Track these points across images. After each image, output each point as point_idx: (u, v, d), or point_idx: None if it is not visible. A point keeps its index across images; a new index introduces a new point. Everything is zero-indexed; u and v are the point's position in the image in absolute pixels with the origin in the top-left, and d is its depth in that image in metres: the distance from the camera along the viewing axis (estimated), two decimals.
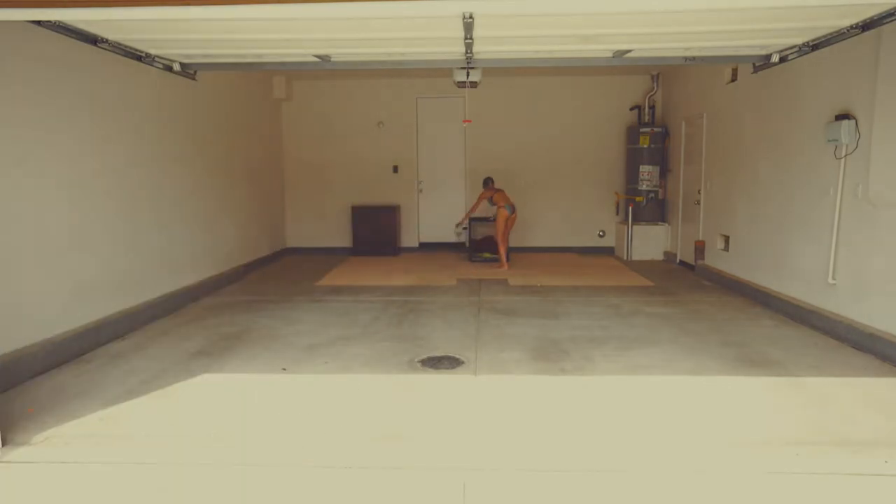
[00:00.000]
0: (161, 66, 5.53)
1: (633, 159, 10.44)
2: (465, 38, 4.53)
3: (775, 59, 5.42)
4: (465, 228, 10.73)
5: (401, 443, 3.43)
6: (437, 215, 11.42)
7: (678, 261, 9.76)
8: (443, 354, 5.01)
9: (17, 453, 3.29)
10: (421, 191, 11.32)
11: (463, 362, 4.82)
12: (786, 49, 5.26)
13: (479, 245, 10.42)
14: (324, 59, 5.35)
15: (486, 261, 10.06)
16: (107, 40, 4.62)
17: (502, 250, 9.50)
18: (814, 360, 4.85)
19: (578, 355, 4.97)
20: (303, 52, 5.22)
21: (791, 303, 6.22)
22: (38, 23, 3.94)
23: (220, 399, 4.10)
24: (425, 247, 11.44)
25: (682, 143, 9.67)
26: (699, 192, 8.87)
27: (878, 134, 4.95)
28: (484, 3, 3.69)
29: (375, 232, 10.88)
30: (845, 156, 5.37)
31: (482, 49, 5.04)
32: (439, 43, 4.86)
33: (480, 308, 6.70)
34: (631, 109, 10.82)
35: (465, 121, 10.77)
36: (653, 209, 10.36)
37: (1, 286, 4.23)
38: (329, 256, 10.77)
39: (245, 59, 5.52)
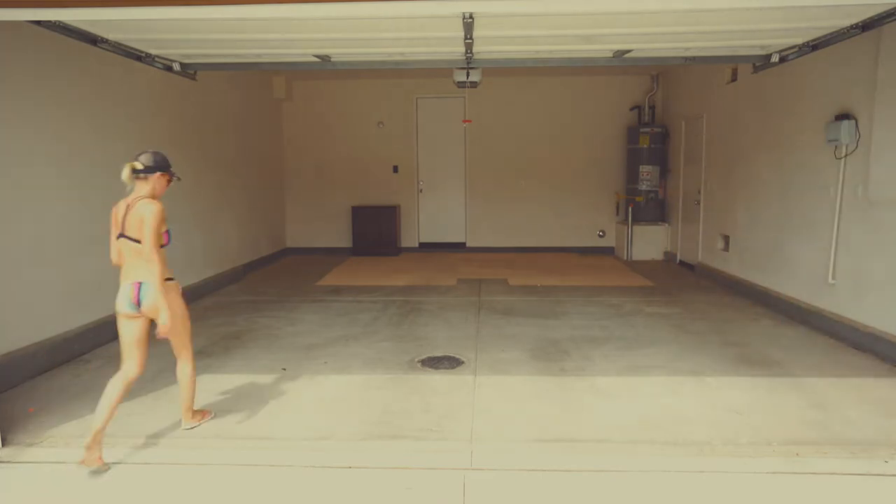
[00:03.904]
0: (161, 66, 5.53)
1: (633, 159, 10.44)
2: (465, 38, 4.52)
3: (775, 59, 5.41)
4: None
5: (401, 443, 3.43)
6: (437, 215, 11.42)
7: (678, 261, 9.76)
8: (443, 354, 5.01)
9: (17, 453, 3.29)
10: (421, 191, 11.32)
11: (463, 362, 4.81)
12: (786, 49, 5.25)
13: None
14: (324, 59, 5.35)
15: None
16: (107, 40, 4.62)
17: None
18: (814, 360, 4.85)
19: (578, 355, 4.97)
20: (303, 52, 5.21)
21: (791, 303, 6.22)
22: (38, 23, 3.94)
23: (219, 399, 4.10)
24: (425, 247, 11.43)
25: (682, 143, 9.66)
26: (699, 192, 8.87)
27: (878, 134, 4.95)
28: (484, 3, 3.68)
29: (375, 232, 10.87)
30: (845, 156, 5.37)
31: (482, 49, 5.04)
32: (439, 43, 4.86)
33: (480, 308, 6.70)
34: (631, 109, 10.82)
35: (465, 121, 10.78)
36: (653, 209, 10.36)
37: (1, 286, 4.23)
38: (329, 256, 10.77)
39: (245, 59, 5.52)
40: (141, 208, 3.25)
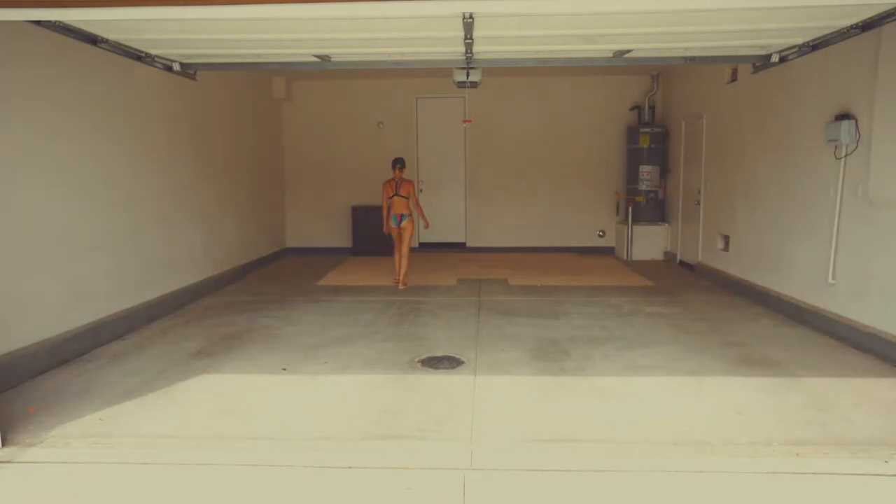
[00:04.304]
0: (161, 66, 5.52)
1: (633, 159, 10.44)
2: (465, 38, 4.52)
3: (775, 59, 5.41)
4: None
5: (401, 443, 3.43)
6: (437, 215, 11.39)
7: (678, 261, 9.76)
8: (443, 354, 5.01)
9: (17, 453, 3.29)
10: (421, 191, 11.30)
11: (463, 362, 4.81)
12: (786, 49, 5.25)
13: None
14: (324, 59, 5.35)
15: None
16: (107, 40, 4.61)
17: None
18: (814, 360, 4.85)
19: (578, 355, 4.96)
20: (303, 52, 5.21)
21: (791, 303, 6.22)
22: (38, 23, 3.93)
23: (219, 399, 4.10)
24: (425, 247, 11.43)
25: (682, 143, 9.66)
26: (699, 192, 8.87)
27: (878, 134, 4.95)
28: (484, 3, 3.68)
29: (375, 232, 10.84)
30: (845, 156, 5.37)
31: (482, 49, 5.04)
32: (439, 43, 4.85)
33: (480, 308, 6.70)
34: (631, 109, 10.82)
35: (465, 121, 10.77)
36: (653, 209, 10.36)
37: (1, 286, 4.23)
38: (329, 256, 10.77)
39: (245, 59, 5.51)
40: (408, 182, 7.83)
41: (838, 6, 3.90)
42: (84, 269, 5.19)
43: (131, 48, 4.99)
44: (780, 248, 6.56)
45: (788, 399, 4.02)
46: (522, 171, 11.13)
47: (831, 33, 4.66)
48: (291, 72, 10.31)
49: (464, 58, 5.26)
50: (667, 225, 10.33)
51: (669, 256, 10.20)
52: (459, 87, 6.14)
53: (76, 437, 3.48)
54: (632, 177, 10.46)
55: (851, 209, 5.33)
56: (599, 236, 11.22)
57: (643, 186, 10.29)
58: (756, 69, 5.86)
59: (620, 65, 5.59)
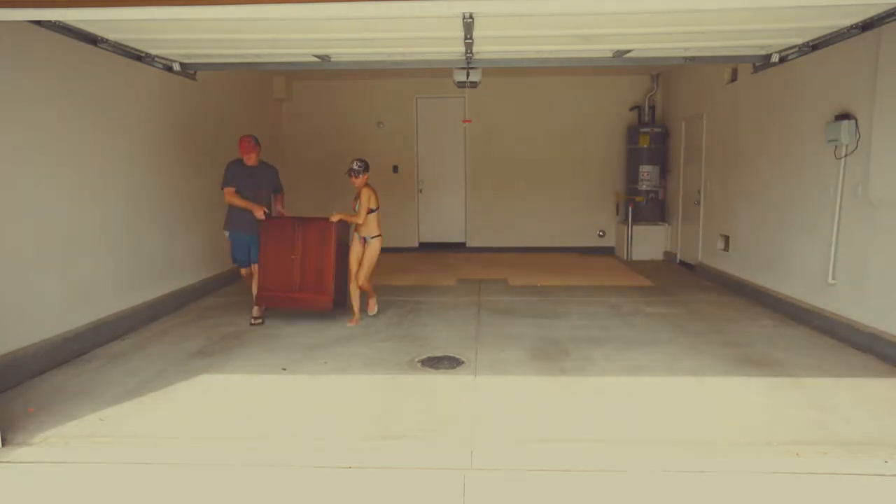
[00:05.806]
0: (161, 66, 5.52)
1: (633, 159, 10.44)
2: (465, 38, 4.52)
3: (775, 59, 5.41)
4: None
5: (401, 443, 3.43)
6: (437, 215, 11.42)
7: (678, 261, 9.76)
8: (443, 354, 5.01)
9: (17, 453, 3.29)
10: (421, 191, 11.32)
11: (463, 362, 4.81)
12: (786, 49, 5.25)
13: None
14: (324, 59, 5.35)
15: None
16: (107, 40, 4.62)
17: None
18: (814, 360, 4.85)
19: (578, 355, 4.96)
20: (303, 52, 5.21)
21: (791, 303, 6.22)
22: (38, 23, 3.94)
23: (219, 399, 4.10)
24: (425, 247, 11.43)
25: (682, 143, 9.66)
26: (699, 192, 8.87)
27: (878, 134, 4.95)
28: (484, 3, 3.68)
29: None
30: (845, 156, 5.37)
31: (482, 49, 5.04)
32: (439, 43, 4.85)
33: (480, 308, 6.70)
34: (631, 109, 10.81)
35: (465, 121, 10.77)
36: (653, 209, 10.36)
37: (1, 286, 4.23)
38: None
39: (245, 59, 5.51)
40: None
41: (838, 6, 3.90)
42: (84, 269, 5.19)
43: (131, 48, 4.98)
44: (779, 248, 6.56)
45: (788, 399, 4.02)
46: (522, 171, 11.12)
47: (831, 33, 4.66)
48: (291, 72, 10.30)
49: (464, 58, 5.26)
50: (667, 225, 10.32)
51: (669, 256, 10.20)
52: (459, 87, 6.15)
53: (76, 437, 3.48)
54: (632, 177, 10.45)
55: (851, 209, 5.33)
56: (599, 236, 11.22)
57: (643, 186, 10.28)
58: (756, 69, 5.86)
59: (620, 65, 5.59)
